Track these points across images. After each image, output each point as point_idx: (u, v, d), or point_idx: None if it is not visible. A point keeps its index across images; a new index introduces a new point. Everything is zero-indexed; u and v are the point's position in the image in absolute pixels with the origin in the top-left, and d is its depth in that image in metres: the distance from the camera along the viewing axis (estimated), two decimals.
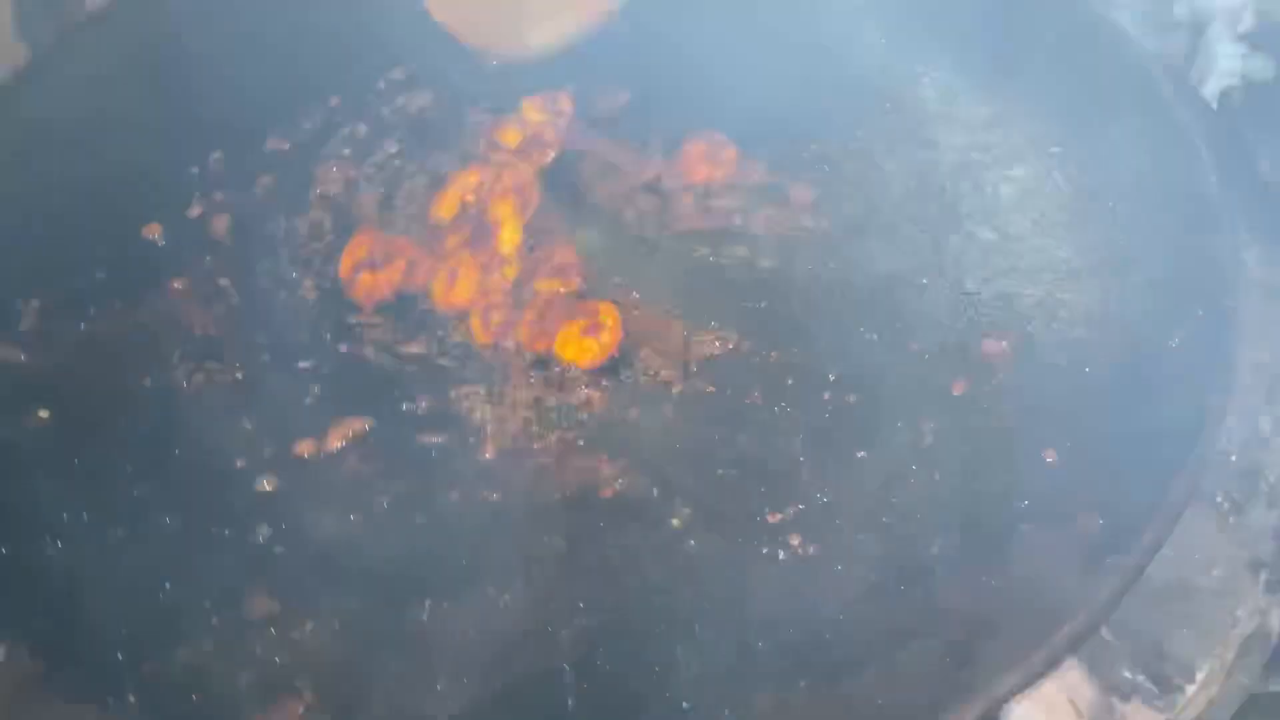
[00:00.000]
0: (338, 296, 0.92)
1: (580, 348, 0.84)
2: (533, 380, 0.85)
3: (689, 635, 0.67)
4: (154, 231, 0.97)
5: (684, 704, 0.64)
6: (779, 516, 0.73)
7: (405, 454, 0.81)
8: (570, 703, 0.65)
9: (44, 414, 0.84)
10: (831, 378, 0.81)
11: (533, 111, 1.03)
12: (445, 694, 0.66)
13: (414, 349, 0.89)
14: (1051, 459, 0.72)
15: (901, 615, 0.66)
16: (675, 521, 0.74)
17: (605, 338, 0.84)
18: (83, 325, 0.90)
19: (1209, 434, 0.69)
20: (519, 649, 0.68)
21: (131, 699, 0.66)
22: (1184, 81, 1.12)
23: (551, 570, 0.72)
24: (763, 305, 0.87)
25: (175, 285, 0.94)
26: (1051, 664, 0.60)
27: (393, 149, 1.05)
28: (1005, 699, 0.60)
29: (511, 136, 1.00)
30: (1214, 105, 0.99)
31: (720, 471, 0.77)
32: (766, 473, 0.76)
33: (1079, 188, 0.89)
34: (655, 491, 0.76)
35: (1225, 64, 1.44)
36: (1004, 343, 0.79)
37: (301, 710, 0.66)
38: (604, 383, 0.83)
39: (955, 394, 0.77)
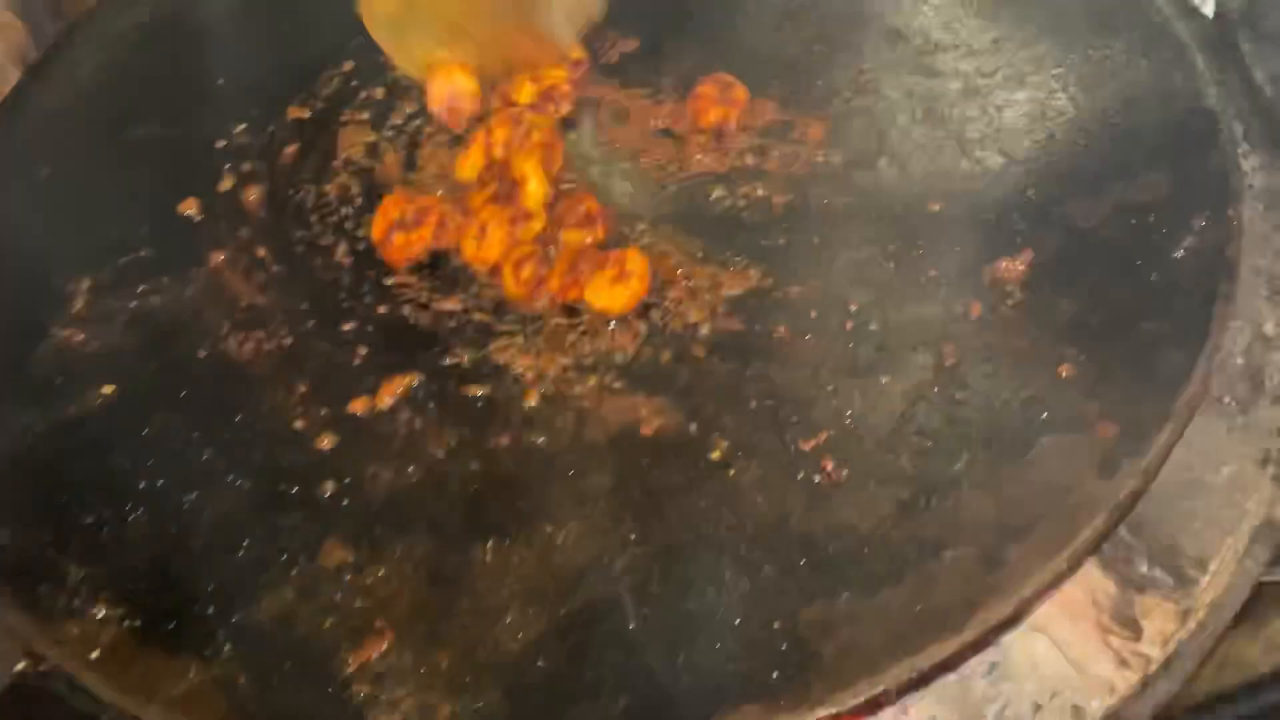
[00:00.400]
0: (372, 259, 0.96)
1: (610, 295, 0.88)
2: (566, 329, 0.89)
3: (735, 557, 0.72)
4: (190, 207, 1.01)
5: (736, 620, 0.69)
6: (811, 443, 0.77)
7: (453, 406, 0.85)
8: (631, 625, 0.70)
9: (108, 390, 0.88)
10: (853, 308, 0.85)
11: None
12: (514, 624, 0.71)
13: (450, 305, 0.93)
14: (1067, 373, 0.76)
15: (932, 528, 0.71)
16: (714, 454, 0.78)
17: (633, 284, 0.87)
18: (133, 303, 0.94)
19: (1215, 339, 0.73)
20: (579, 579, 0.73)
21: (227, 648, 0.72)
22: None
23: (602, 506, 0.77)
24: (781, 242, 0.90)
25: (216, 258, 0.97)
26: (1075, 564, 0.66)
27: (411, 109, 1.07)
28: (1034, 599, 0.65)
29: (526, 92, 1.03)
30: (1209, 16, 1.01)
31: (753, 404, 0.81)
32: (797, 402, 0.80)
33: (1082, 107, 0.91)
34: (693, 427, 0.80)
35: None
36: (1019, 263, 0.82)
37: (385, 646, 0.71)
38: (635, 326, 0.87)
39: (973, 316, 0.81)
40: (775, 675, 0.65)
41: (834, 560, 0.71)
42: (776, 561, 0.72)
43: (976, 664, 0.75)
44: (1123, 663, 0.78)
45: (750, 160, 0.96)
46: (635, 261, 0.88)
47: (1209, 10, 1.16)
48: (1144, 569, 0.82)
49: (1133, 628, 0.80)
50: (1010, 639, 0.77)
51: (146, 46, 1.13)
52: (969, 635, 0.63)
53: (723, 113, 0.99)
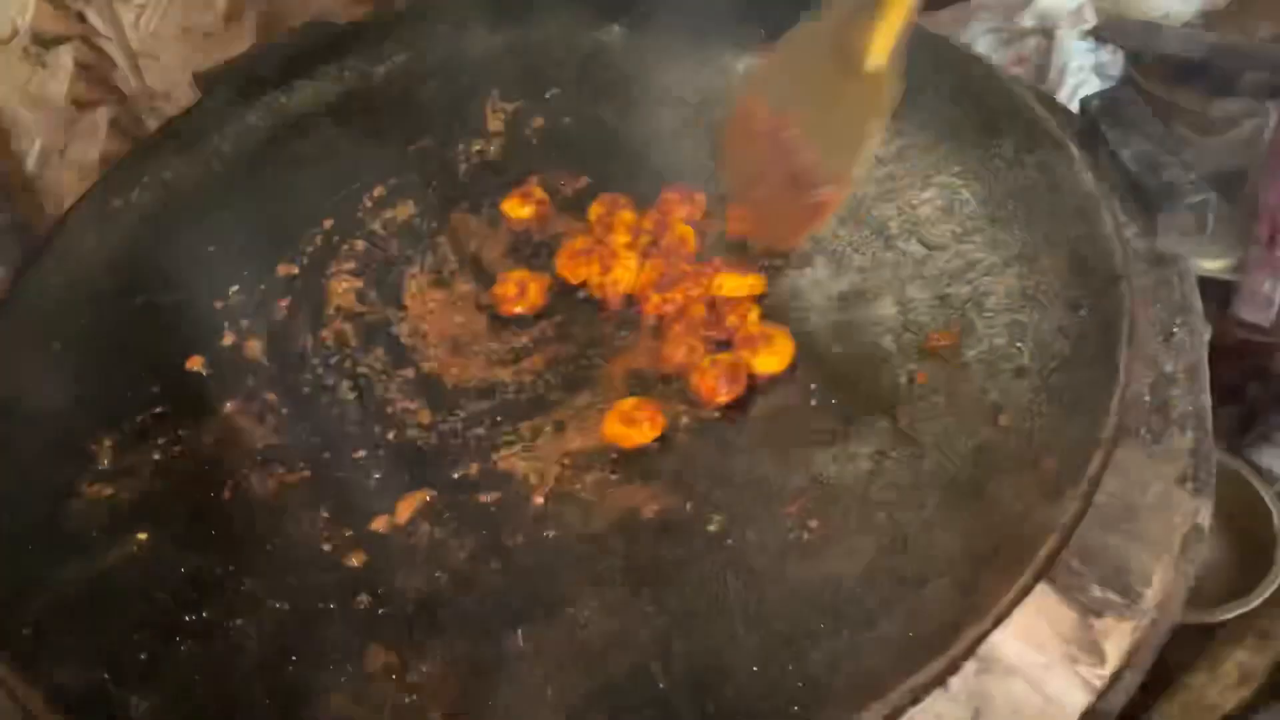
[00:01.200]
0: (373, 394, 1.05)
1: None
2: (564, 434, 0.98)
3: (745, 614, 0.81)
4: (197, 363, 1.09)
5: (753, 667, 0.77)
6: (794, 508, 0.87)
7: (467, 514, 0.94)
8: (660, 685, 0.78)
9: (142, 536, 0.95)
10: (813, 386, 0.96)
11: (514, 208, 1.19)
12: (555, 700, 0.79)
13: (449, 426, 1.02)
14: (1006, 421, 0.88)
15: (912, 565, 0.81)
16: (711, 527, 0.88)
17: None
18: (156, 455, 1.01)
19: (1124, 380, 0.86)
20: (606, 652, 0.81)
21: None
22: (1047, 94, 1.33)
23: (618, 584, 0.85)
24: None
25: (228, 407, 1.05)
26: (1036, 577, 0.76)
27: (393, 252, 1.19)
28: (1007, 613, 0.75)
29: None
30: (1074, 109, 1.18)
31: (738, 480, 0.91)
32: (776, 473, 0.91)
33: (982, 200, 1.06)
34: (688, 506, 0.90)
35: (1077, 61, 1.67)
36: (951, 333, 0.95)
37: None
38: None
39: (920, 383, 0.94)
40: (795, 709, 0.74)
41: (831, 604, 0.80)
42: (782, 612, 0.81)
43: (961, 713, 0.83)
44: (1092, 689, 0.87)
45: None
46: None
47: (1070, 97, 1.35)
48: (1097, 593, 0.92)
49: (1096, 652, 0.89)
50: (990, 683, 0.85)
51: (139, 225, 1.22)
52: (957, 650, 0.72)
53: (688, 210, 1.12)
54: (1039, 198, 1.02)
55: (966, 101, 1.11)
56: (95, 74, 1.36)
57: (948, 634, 0.74)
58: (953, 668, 0.73)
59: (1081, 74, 1.61)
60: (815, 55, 0.87)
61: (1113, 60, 1.61)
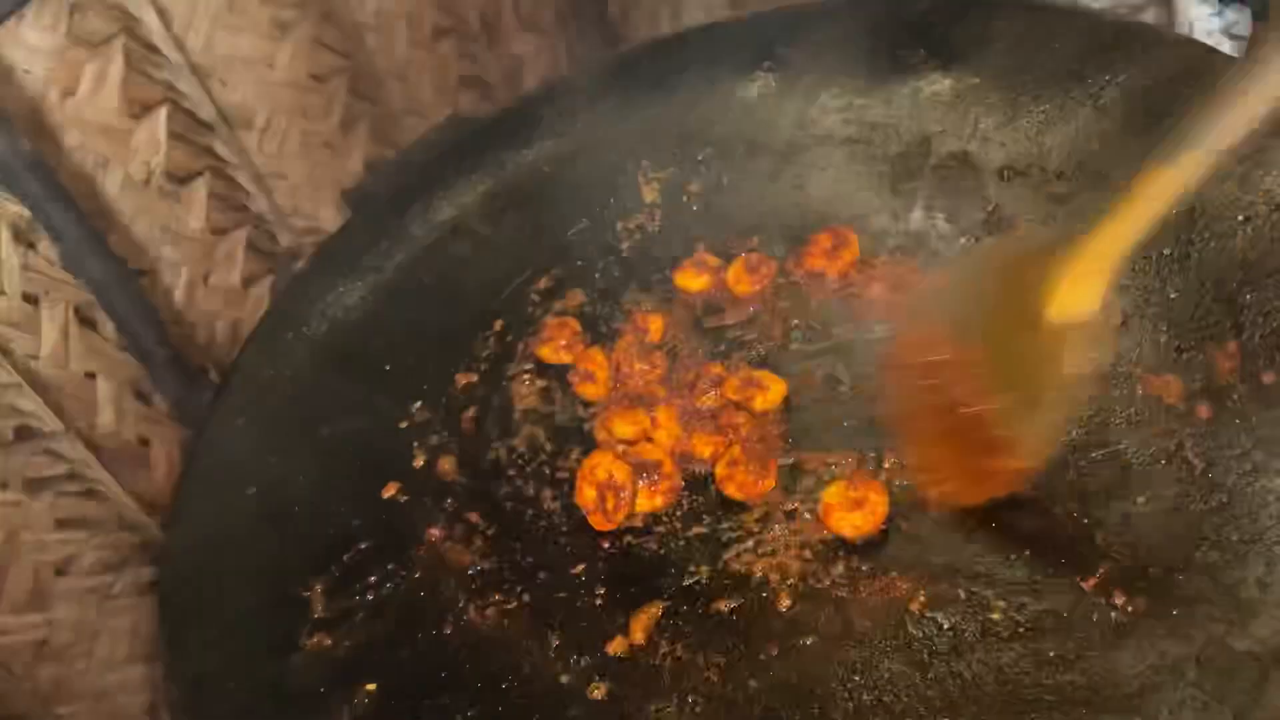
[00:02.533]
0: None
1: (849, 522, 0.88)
2: (794, 526, 0.90)
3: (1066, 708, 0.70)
4: (392, 490, 1.05)
5: None
6: (1093, 580, 0.76)
7: (708, 626, 0.85)
8: None
9: (370, 687, 0.89)
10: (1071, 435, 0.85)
11: (688, 279, 1.12)
12: None
13: (667, 525, 0.94)
14: None
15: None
16: (994, 614, 0.77)
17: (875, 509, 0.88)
18: (369, 596, 0.96)
19: None
20: None
21: None
22: None
23: (903, 693, 0.75)
24: None
25: (432, 533, 1.00)
26: None
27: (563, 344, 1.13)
28: None
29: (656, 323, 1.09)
30: None
31: (1012, 555, 0.80)
32: (1058, 539, 0.79)
33: None
34: (961, 593, 0.79)
35: (1201, 25, 1.53)
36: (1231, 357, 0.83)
37: None
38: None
39: (1202, 417, 0.82)
40: None
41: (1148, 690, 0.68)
42: (1108, 710, 0.69)
43: None
44: None
45: None
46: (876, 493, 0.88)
47: None
48: None
49: None
50: None
51: (312, 353, 1.20)
52: None
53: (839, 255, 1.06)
54: None
55: None
56: (227, 201, 1.37)
57: None
58: None
59: (1211, 38, 1.47)
60: (1002, 286, 0.78)
61: (1240, 18, 1.46)
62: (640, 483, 0.94)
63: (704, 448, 0.95)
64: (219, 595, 0.98)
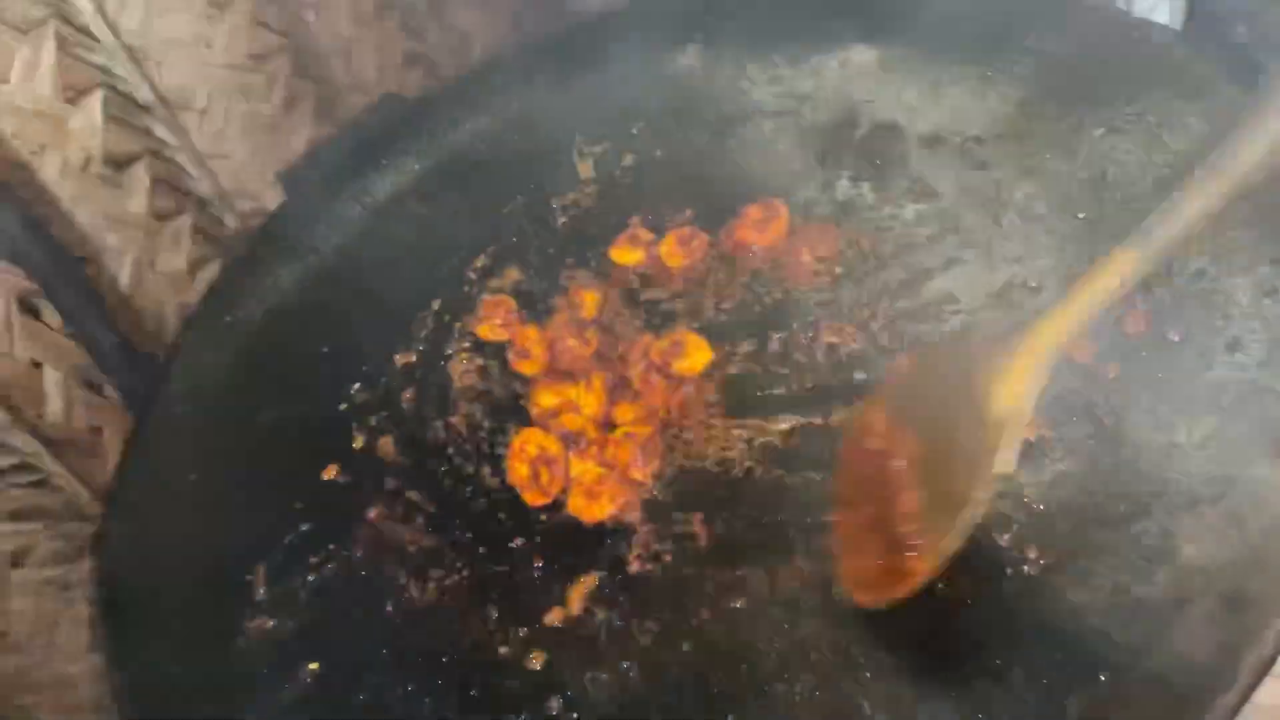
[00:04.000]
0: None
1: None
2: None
3: (982, 666, 0.73)
4: (332, 472, 1.06)
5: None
6: (1007, 536, 0.79)
7: (642, 594, 0.87)
8: None
9: (313, 666, 0.90)
10: None
11: (622, 254, 1.13)
12: None
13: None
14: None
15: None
16: None
17: None
18: (310, 577, 0.97)
19: None
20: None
21: None
22: None
23: (825, 651, 0.78)
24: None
25: (372, 514, 1.01)
26: None
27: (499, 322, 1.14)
28: None
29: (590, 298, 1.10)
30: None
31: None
32: None
33: None
34: None
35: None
36: (1141, 318, 0.86)
37: None
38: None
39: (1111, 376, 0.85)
40: None
41: (1083, 643, 0.71)
42: (1019, 660, 0.72)
43: None
44: None
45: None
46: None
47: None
48: None
49: None
50: None
51: (252, 338, 1.20)
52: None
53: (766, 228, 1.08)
54: None
55: None
56: (170, 185, 1.35)
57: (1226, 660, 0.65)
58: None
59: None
60: (947, 379, 0.76)
61: None
62: (570, 453, 0.95)
63: (626, 414, 0.96)
64: (161, 582, 0.99)
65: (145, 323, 1.35)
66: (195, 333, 1.20)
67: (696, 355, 0.99)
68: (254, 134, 1.47)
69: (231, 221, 1.46)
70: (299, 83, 1.52)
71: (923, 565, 0.71)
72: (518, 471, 0.96)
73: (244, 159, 1.47)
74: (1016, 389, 0.70)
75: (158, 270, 1.38)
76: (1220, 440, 0.76)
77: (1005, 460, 0.68)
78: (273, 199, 1.44)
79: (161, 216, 1.38)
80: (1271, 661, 0.64)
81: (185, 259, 1.41)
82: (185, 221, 1.41)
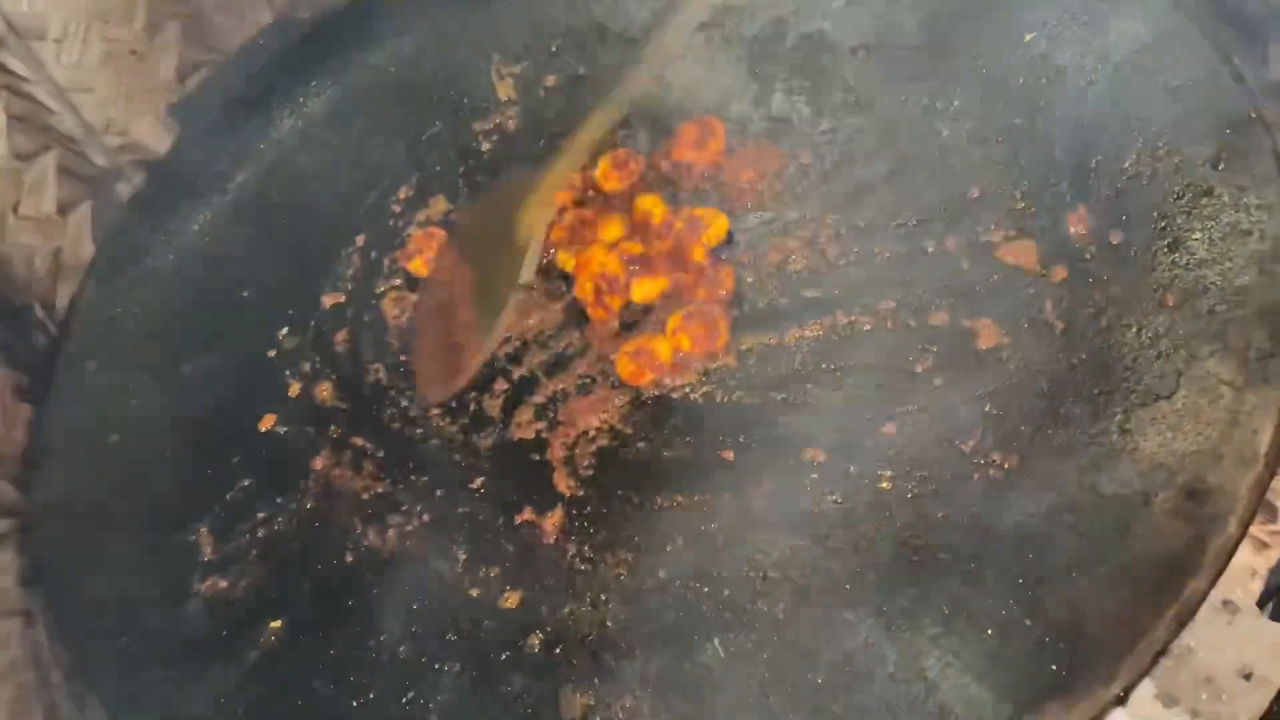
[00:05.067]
0: (466, 408, 0.97)
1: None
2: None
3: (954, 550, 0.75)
4: (269, 422, 1.01)
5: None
6: (971, 443, 0.81)
7: (614, 523, 0.87)
8: (889, 671, 0.72)
9: (276, 624, 0.88)
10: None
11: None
12: (781, 704, 0.73)
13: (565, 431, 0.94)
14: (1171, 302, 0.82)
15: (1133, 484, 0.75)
16: (884, 485, 0.82)
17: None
18: (260, 533, 0.94)
19: None
20: (820, 640, 0.75)
21: None
22: None
23: (805, 561, 0.79)
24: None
25: (318, 463, 0.97)
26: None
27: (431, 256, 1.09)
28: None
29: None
30: None
31: (894, 431, 0.84)
32: (921, 415, 0.84)
33: None
34: (851, 468, 0.83)
35: None
36: (1081, 221, 0.88)
37: None
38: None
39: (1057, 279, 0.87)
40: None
41: (1053, 542, 0.74)
42: (992, 562, 0.75)
43: None
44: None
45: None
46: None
47: None
48: None
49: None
50: None
51: (164, 286, 1.13)
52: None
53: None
54: None
55: None
56: (30, 122, 1.24)
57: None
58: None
59: None
60: (491, 218, 1.00)
61: None
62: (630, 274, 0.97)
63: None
64: (95, 550, 0.94)
65: (15, 272, 1.25)
66: (96, 284, 1.12)
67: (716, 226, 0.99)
68: (117, 63, 1.35)
69: (101, 159, 1.35)
70: (161, 5, 1.40)
71: (473, 360, 0.94)
72: (584, 288, 0.98)
73: (109, 91, 1.34)
74: (532, 221, 0.95)
75: (22, 214, 1.27)
76: (1170, 337, 0.79)
77: (527, 274, 0.94)
78: (145, 133, 1.34)
79: (23, 156, 1.27)
80: (1235, 548, 0.67)
81: (53, 201, 1.30)
82: (49, 161, 1.30)
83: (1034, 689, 0.68)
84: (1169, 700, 0.67)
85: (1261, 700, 0.66)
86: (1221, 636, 0.68)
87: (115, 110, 1.35)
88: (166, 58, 1.40)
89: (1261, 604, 0.70)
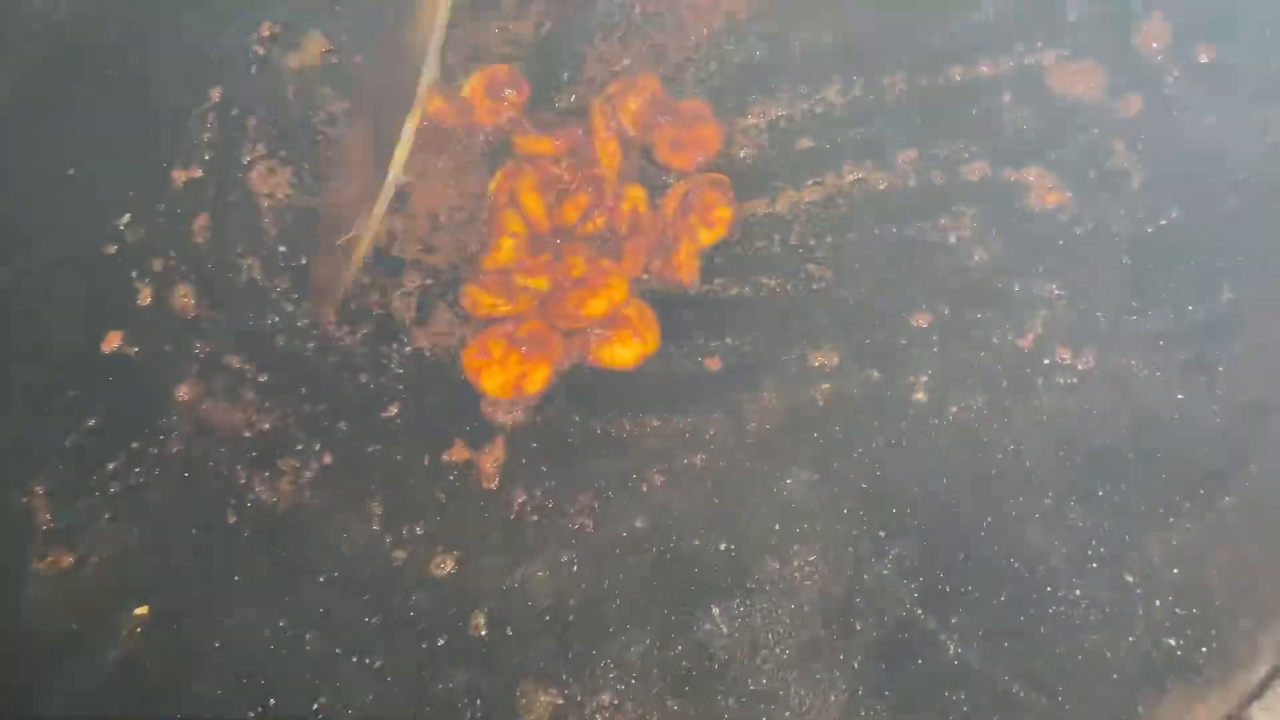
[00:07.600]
0: (370, 314, 0.77)
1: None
2: None
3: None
4: (115, 341, 0.79)
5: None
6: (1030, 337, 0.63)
7: (574, 461, 0.69)
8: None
9: (141, 611, 0.68)
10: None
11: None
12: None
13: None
14: None
15: None
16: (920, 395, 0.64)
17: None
18: (112, 489, 0.73)
19: None
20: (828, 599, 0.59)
21: None
22: None
23: (820, 513, 0.62)
24: None
25: (180, 394, 0.76)
26: None
27: (319, 118, 0.86)
28: None
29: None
30: None
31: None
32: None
33: None
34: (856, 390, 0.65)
35: None
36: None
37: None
38: None
39: None
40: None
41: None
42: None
43: None
44: None
45: None
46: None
47: None
48: None
49: None
50: None
51: None
52: None
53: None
54: None
55: None
56: None
57: None
58: None
59: None
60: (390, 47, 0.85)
61: None
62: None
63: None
64: None
65: None
66: None
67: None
68: None
69: None
70: None
71: (368, 220, 0.78)
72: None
73: None
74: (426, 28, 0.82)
75: None
76: None
77: (430, 71, 0.81)
78: None
79: None
80: None
81: None
82: None
83: None
84: None
85: None
86: None
87: None
88: None
89: None
